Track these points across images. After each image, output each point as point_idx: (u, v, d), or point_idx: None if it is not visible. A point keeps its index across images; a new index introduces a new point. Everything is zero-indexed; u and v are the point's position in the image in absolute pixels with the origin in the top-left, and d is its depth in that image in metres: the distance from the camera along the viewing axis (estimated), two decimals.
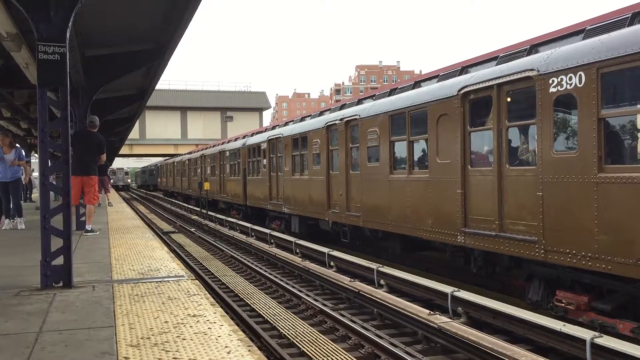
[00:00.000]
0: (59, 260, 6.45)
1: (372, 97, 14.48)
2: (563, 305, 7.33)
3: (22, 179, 15.09)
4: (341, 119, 13.70)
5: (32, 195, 25.59)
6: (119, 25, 11.66)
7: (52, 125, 6.90)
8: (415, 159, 10.84)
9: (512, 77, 8.01)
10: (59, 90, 6.58)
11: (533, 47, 8.83)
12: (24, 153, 13.97)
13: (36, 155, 26.45)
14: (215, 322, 4.97)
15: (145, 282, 6.79)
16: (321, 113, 17.95)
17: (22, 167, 13.56)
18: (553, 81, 7.25)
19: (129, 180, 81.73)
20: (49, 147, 6.63)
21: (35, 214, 15.98)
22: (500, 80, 8.22)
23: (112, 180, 64.59)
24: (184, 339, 4.44)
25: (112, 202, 24.07)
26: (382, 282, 10.14)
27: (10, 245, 10.48)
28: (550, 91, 7.31)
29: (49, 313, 5.31)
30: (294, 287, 10.96)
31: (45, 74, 6.32)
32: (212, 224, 23.19)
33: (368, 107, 12.66)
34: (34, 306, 5.58)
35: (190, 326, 4.83)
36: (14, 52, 10.08)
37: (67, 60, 6.35)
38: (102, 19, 10.68)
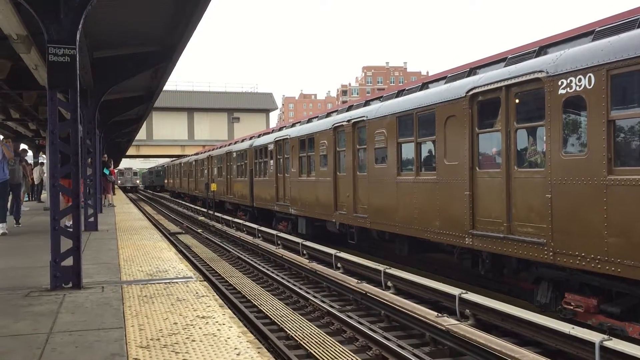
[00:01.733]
0: (68, 261, 6.49)
1: (380, 98, 14.47)
2: (572, 307, 7.30)
3: (23, 181, 14.69)
4: (348, 121, 13.69)
5: (41, 195, 25.73)
6: (128, 28, 11.74)
7: (62, 127, 6.95)
8: (423, 160, 10.81)
9: (520, 79, 7.98)
10: (69, 92, 6.62)
11: (542, 48, 8.79)
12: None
13: (44, 155, 26.57)
14: (224, 324, 4.98)
15: (154, 283, 6.82)
16: (328, 114, 17.95)
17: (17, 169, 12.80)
18: (562, 83, 7.23)
19: (138, 182, 77.12)
20: (59, 149, 6.68)
21: (43, 215, 16.08)
22: (509, 82, 8.19)
23: (119, 181, 64.56)
24: (194, 341, 4.45)
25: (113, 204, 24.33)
26: (389, 283, 10.13)
27: (18, 246, 10.53)
28: (559, 93, 7.28)
29: (59, 314, 5.34)
30: (300, 289, 10.95)
31: (55, 75, 6.37)
32: (218, 225, 23.22)
33: (375, 109, 12.65)
34: (44, 307, 5.61)
35: (200, 328, 4.85)
36: (23, 54, 10.15)
37: (77, 62, 6.40)
38: (111, 21, 10.74)
